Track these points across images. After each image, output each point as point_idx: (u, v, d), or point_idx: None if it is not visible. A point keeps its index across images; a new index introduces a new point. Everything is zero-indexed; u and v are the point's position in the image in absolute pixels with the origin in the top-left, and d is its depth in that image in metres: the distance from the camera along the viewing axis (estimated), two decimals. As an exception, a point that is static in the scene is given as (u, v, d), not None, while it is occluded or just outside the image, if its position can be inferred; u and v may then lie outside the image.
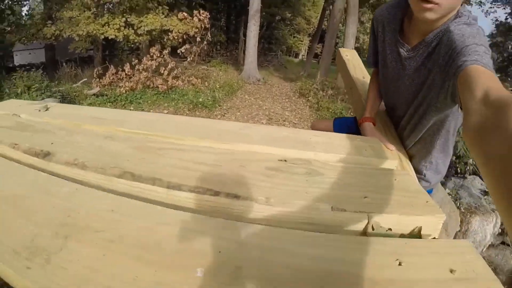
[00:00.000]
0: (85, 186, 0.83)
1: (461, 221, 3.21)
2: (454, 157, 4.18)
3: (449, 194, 3.47)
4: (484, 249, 3.35)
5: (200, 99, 10.11)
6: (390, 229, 0.75)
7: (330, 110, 9.51)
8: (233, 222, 0.71)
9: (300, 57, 49.70)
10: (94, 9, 14.52)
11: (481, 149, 0.57)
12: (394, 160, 1.15)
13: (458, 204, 3.36)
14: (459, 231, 3.17)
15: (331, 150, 1.14)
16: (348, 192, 0.84)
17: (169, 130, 1.23)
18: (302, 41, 45.94)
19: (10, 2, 20.53)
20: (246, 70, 16.33)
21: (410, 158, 1.47)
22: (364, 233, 0.74)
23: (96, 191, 0.81)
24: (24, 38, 17.02)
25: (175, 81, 10.98)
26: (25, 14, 24.50)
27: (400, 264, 0.61)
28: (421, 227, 0.77)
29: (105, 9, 15.48)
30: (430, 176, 1.53)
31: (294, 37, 40.97)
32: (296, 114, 9.35)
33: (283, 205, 0.75)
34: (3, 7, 19.90)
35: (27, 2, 22.54)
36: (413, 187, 0.92)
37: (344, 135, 1.35)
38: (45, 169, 0.92)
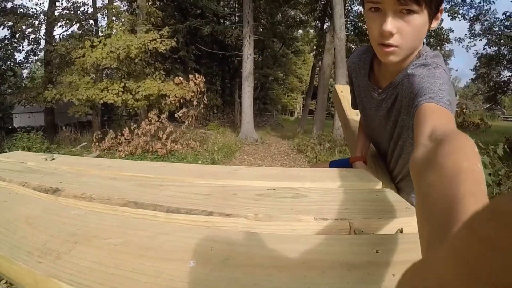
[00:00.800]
0: (93, 211, 0.91)
1: None
2: None
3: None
4: None
5: (200, 162, 10.18)
6: (372, 233, 0.81)
7: (332, 160, 9.63)
8: (224, 230, 0.79)
9: (295, 114, 50.24)
10: (94, 74, 14.87)
11: (417, 184, 0.60)
12: (377, 182, 1.22)
13: None
14: None
15: (317, 180, 1.22)
16: (330, 206, 0.91)
17: (168, 173, 1.32)
18: (296, 99, 46.59)
19: (12, 64, 20.98)
20: (243, 131, 16.54)
21: (399, 191, 1.54)
22: (346, 239, 0.80)
23: (103, 214, 0.89)
24: (24, 101, 17.38)
25: (174, 145, 11.11)
26: (26, 76, 25.11)
27: (377, 251, 0.65)
28: (402, 228, 0.81)
29: (104, 75, 15.82)
30: None
31: (288, 95, 41.66)
32: (298, 168, 9.39)
33: (270, 219, 0.82)
34: (4, 69, 20.34)
35: (28, 65, 23.07)
36: (393, 198, 0.99)
37: (330, 168, 1.44)
38: (55, 203, 1.00)
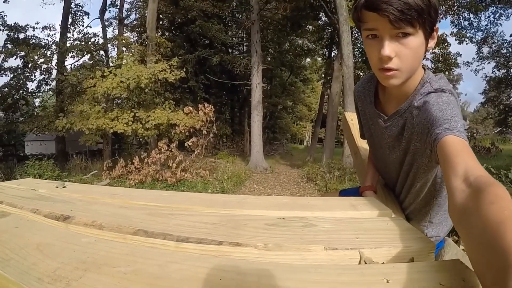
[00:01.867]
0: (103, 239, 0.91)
1: None
2: None
3: (463, 250, 3.44)
4: None
5: (209, 191, 10.19)
6: (383, 262, 0.80)
7: (342, 189, 9.59)
8: (233, 260, 0.79)
9: (305, 143, 50.36)
10: (104, 104, 15.01)
11: (464, 230, 0.70)
12: (387, 211, 1.21)
13: None
14: None
15: (327, 209, 1.21)
16: (340, 236, 0.91)
17: (178, 202, 1.32)
18: (305, 127, 46.74)
19: (24, 93, 21.28)
20: (252, 160, 16.58)
21: (409, 220, 1.52)
22: (358, 269, 0.79)
23: (113, 242, 0.89)
24: (36, 129, 17.59)
25: (183, 174, 11.13)
26: (38, 105, 25.39)
27: (388, 281, 0.65)
28: (413, 257, 0.81)
29: (115, 104, 15.96)
30: (433, 233, 1.55)
31: (297, 124, 41.79)
32: (307, 196, 9.36)
33: (279, 248, 0.82)
34: (17, 98, 20.63)
35: (40, 94, 23.37)
36: (404, 227, 0.98)
37: (340, 197, 1.44)
38: (65, 230, 1.00)
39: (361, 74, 23.06)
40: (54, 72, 20.55)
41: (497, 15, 24.44)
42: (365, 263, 0.79)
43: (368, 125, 1.61)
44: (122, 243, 0.89)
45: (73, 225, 1.01)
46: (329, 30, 23.89)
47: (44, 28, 21.90)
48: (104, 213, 1.13)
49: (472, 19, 24.30)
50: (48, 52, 20.02)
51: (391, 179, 1.64)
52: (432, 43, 1.22)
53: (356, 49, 23.00)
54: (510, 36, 25.81)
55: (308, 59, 33.94)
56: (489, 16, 25.17)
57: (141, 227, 0.95)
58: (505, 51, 26.39)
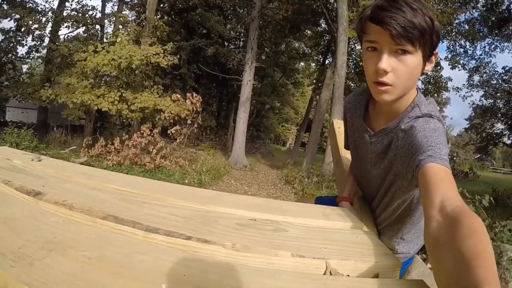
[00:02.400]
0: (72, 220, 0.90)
1: None
2: None
3: (430, 268, 3.49)
4: None
5: (186, 181, 10.16)
6: (348, 275, 0.81)
7: (318, 196, 9.67)
8: (199, 256, 0.79)
9: (287, 145, 50.54)
10: (92, 79, 14.82)
11: (435, 261, 0.72)
12: (359, 224, 1.22)
13: None
14: None
15: (300, 215, 1.22)
16: (309, 244, 0.91)
17: (152, 191, 1.32)
18: (290, 130, 46.89)
19: (13, 57, 20.83)
20: (233, 156, 16.56)
21: (380, 235, 1.53)
22: (322, 279, 0.80)
23: (82, 224, 0.88)
24: (20, 96, 17.22)
25: (162, 161, 11.07)
26: (25, 72, 24.90)
27: None
28: (378, 273, 0.82)
29: (103, 82, 15.77)
30: (403, 250, 1.56)
31: (282, 125, 41.88)
32: (281, 200, 9.39)
33: (247, 250, 0.82)
34: (5, 61, 20.18)
35: (29, 60, 22.92)
36: (374, 242, 0.99)
37: (314, 205, 1.44)
38: (35, 206, 0.99)
39: (352, 85, 23.24)
40: (47, 40, 20.19)
41: (493, 46, 24.91)
42: (330, 274, 0.80)
43: (354, 137, 1.61)
44: (90, 226, 0.88)
45: (44, 202, 1.00)
46: (327, 38, 23.97)
47: (43, -7, 21.52)
48: (76, 193, 1.12)
49: (467, 47, 24.72)
50: (44, 19, 19.66)
51: (370, 193, 1.64)
52: (429, 67, 1.25)
53: (350, 60, 23.13)
54: (502, 68, 26.03)
55: (302, 63, 34.08)
56: (484, 47, 25.67)
57: (112, 212, 0.94)
58: (494, 82, 26.84)
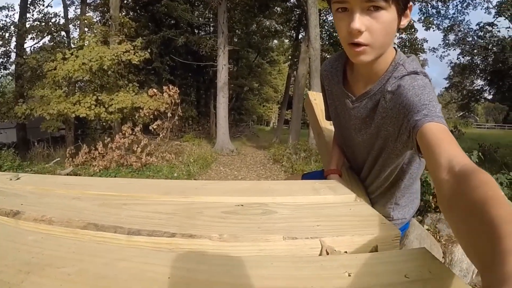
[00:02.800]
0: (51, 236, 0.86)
1: (443, 253, 3.23)
2: (430, 196, 4.28)
3: (427, 229, 3.51)
4: (474, 276, 3.35)
5: (175, 174, 10.13)
6: (346, 251, 0.78)
7: (305, 172, 9.76)
8: (186, 253, 0.75)
9: (271, 124, 50.62)
10: (66, 87, 14.61)
11: (453, 217, 0.71)
12: (351, 195, 1.19)
13: (438, 237, 3.39)
14: (444, 263, 3.17)
15: (289, 194, 1.19)
16: (300, 223, 0.89)
17: (134, 190, 1.27)
18: (271, 109, 46.94)
19: None
20: (219, 142, 16.56)
21: (374, 204, 1.50)
22: (320, 259, 0.77)
23: (61, 238, 0.84)
24: (-6, 117, 16.85)
25: (149, 158, 11.01)
26: (-4, 92, 24.43)
27: (349, 275, 0.62)
28: (377, 245, 0.79)
29: (77, 88, 15.57)
30: (399, 216, 1.55)
31: (263, 106, 41.89)
32: (272, 180, 9.40)
33: (235, 239, 0.79)
34: None
35: (-1, 79, 22.51)
36: (367, 212, 0.97)
37: (302, 181, 1.41)
38: (14, 227, 0.94)
39: (327, 56, 23.19)
40: (13, 55, 19.85)
41: (465, 4, 25.09)
42: (327, 253, 0.76)
43: (334, 105, 1.55)
44: (71, 239, 0.85)
45: (23, 221, 0.95)
46: (297, 12, 23.87)
47: (2, 8, 21.06)
48: (55, 206, 1.07)
49: (440, 7, 24.78)
50: (7, 34, 19.33)
51: (357, 162, 1.60)
52: (405, 21, 1.19)
53: (323, 32, 23.10)
54: (476, 25, 26.34)
55: (275, 41, 33.85)
56: (456, 5, 25.88)
57: (92, 220, 0.90)
58: (470, 39, 27.10)
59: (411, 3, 1.17)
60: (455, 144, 0.89)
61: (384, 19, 1.10)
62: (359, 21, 1.09)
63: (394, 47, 1.30)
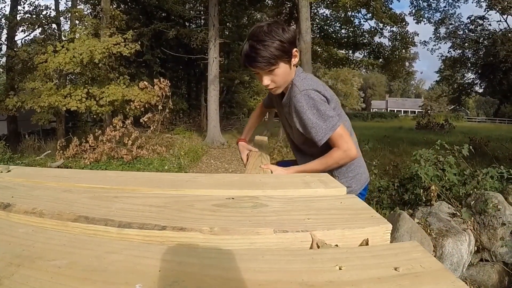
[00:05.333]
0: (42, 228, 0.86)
1: (434, 246, 3.25)
2: (421, 190, 4.29)
3: (418, 223, 3.53)
4: (464, 270, 3.38)
5: (166, 167, 10.09)
6: (336, 245, 0.78)
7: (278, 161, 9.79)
8: (176, 247, 0.75)
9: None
10: (57, 80, 14.48)
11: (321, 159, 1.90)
12: (341, 188, 1.20)
13: (429, 231, 3.42)
14: (434, 256, 3.19)
15: (279, 187, 1.20)
16: (291, 217, 0.89)
17: (125, 183, 1.27)
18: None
19: None
20: (209, 135, 16.51)
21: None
22: (310, 252, 0.77)
23: (52, 231, 0.84)
24: (-15, 109, 16.65)
25: (139, 151, 10.95)
26: (-13, 84, 24.11)
27: (340, 268, 0.62)
28: (367, 239, 0.79)
29: (68, 81, 15.42)
30: (357, 184, 2.14)
31: (254, 98, 41.54)
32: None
33: (226, 232, 0.79)
34: None
35: (-11, 71, 22.25)
36: (358, 206, 0.98)
37: (293, 174, 1.44)
38: (5, 220, 0.94)
39: (318, 49, 23.19)
40: (4, 48, 19.62)
41: (456, -3, 25.01)
42: (318, 246, 0.76)
43: (277, 108, 2.30)
44: (61, 232, 0.84)
45: (14, 214, 0.95)
46: (288, 5, 23.74)
47: (-7, 0, 20.82)
48: (46, 198, 1.07)
49: (431, 0, 24.75)
50: (-3, 27, 19.13)
51: (299, 147, 2.25)
52: (295, 60, 1.89)
53: (314, 25, 23.03)
54: (467, 19, 26.37)
55: (266, 34, 33.66)
56: (447, -2, 25.79)
57: (83, 213, 0.90)
58: (461, 32, 27.14)
59: (295, 50, 1.85)
60: (343, 141, 1.86)
61: (279, 72, 1.84)
62: (265, 80, 1.88)
63: (295, 70, 1.97)
